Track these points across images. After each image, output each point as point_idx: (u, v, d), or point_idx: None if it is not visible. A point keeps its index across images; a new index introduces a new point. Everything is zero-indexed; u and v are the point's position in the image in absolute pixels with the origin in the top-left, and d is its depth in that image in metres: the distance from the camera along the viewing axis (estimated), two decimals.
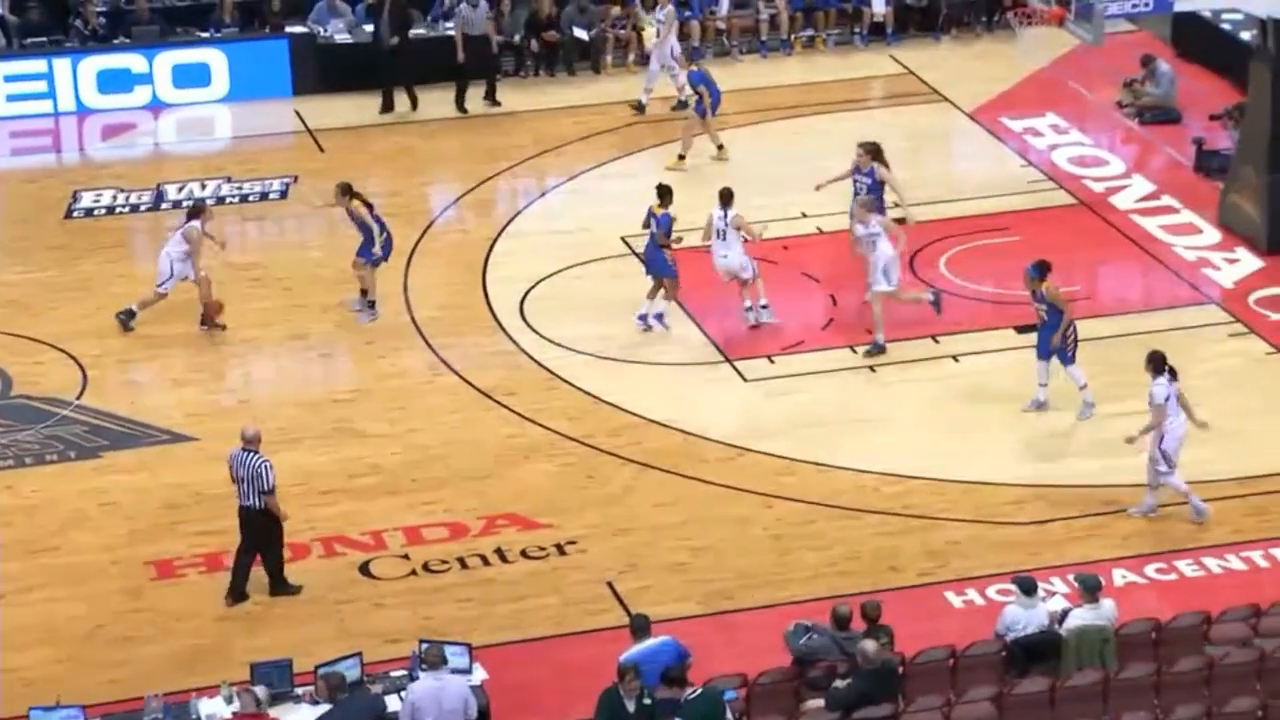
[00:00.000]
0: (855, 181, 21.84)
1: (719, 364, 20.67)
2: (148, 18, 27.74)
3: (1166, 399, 17.60)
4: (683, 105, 26.42)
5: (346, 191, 21.43)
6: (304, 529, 17.85)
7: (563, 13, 28.01)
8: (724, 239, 20.89)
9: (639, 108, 26.57)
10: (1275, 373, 20.38)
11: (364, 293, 21.64)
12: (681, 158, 24.91)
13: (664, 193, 21.20)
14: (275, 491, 16.64)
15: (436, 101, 27.02)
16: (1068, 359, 19.29)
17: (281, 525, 16.86)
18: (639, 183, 24.51)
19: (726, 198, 20.96)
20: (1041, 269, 19.31)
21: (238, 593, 16.93)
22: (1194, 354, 20.60)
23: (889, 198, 21.90)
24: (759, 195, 23.06)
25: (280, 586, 16.98)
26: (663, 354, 20.86)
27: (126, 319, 21.31)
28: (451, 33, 27.02)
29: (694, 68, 25.28)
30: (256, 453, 16.66)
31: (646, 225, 21.17)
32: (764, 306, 21.26)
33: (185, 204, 23.82)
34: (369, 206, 21.43)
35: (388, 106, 26.66)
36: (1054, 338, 19.18)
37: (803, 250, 22.90)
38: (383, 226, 21.39)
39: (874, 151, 21.70)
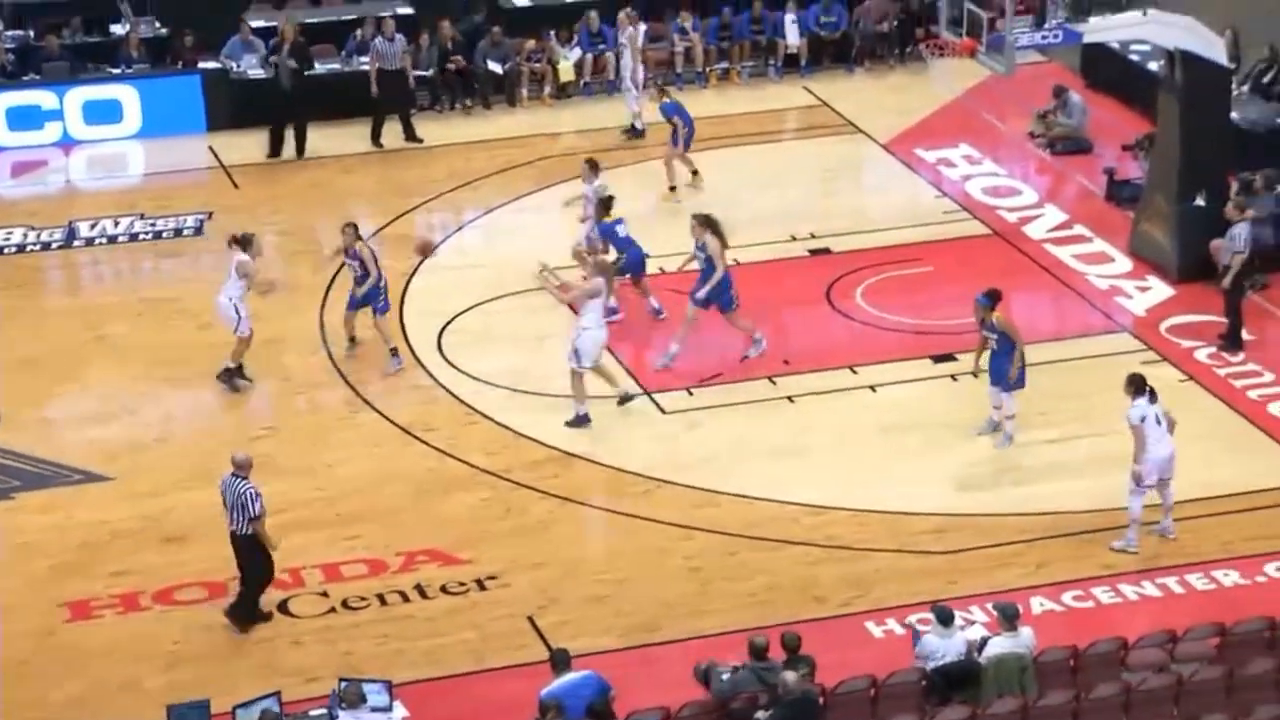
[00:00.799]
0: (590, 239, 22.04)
1: (637, 396, 20.66)
2: (58, 54, 27.53)
3: (1142, 419, 17.68)
4: (635, 133, 26.39)
5: (357, 232, 21.24)
6: (222, 567, 17.68)
7: (477, 47, 28.01)
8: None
9: (634, 132, 26.50)
10: (1187, 400, 20.58)
11: (394, 351, 21.15)
12: (673, 188, 24.81)
13: (607, 204, 21.71)
14: (263, 519, 16.60)
15: (352, 136, 26.94)
16: (1010, 386, 19.35)
17: (270, 554, 16.79)
18: (555, 216, 24.56)
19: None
20: (992, 297, 19.41)
21: (243, 616, 17.02)
22: (1108, 381, 20.69)
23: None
24: (673, 226, 23.07)
25: (239, 609, 16.82)
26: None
27: (231, 378, 20.38)
28: (366, 67, 26.97)
29: (666, 99, 25.15)
30: (245, 479, 16.65)
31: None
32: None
33: (99, 241, 23.58)
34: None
35: (275, 151, 26.41)
36: (1010, 369, 19.17)
37: None
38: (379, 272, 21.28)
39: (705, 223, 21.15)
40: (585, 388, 19.92)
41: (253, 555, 16.79)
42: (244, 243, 20.61)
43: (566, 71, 28.25)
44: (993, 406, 19.65)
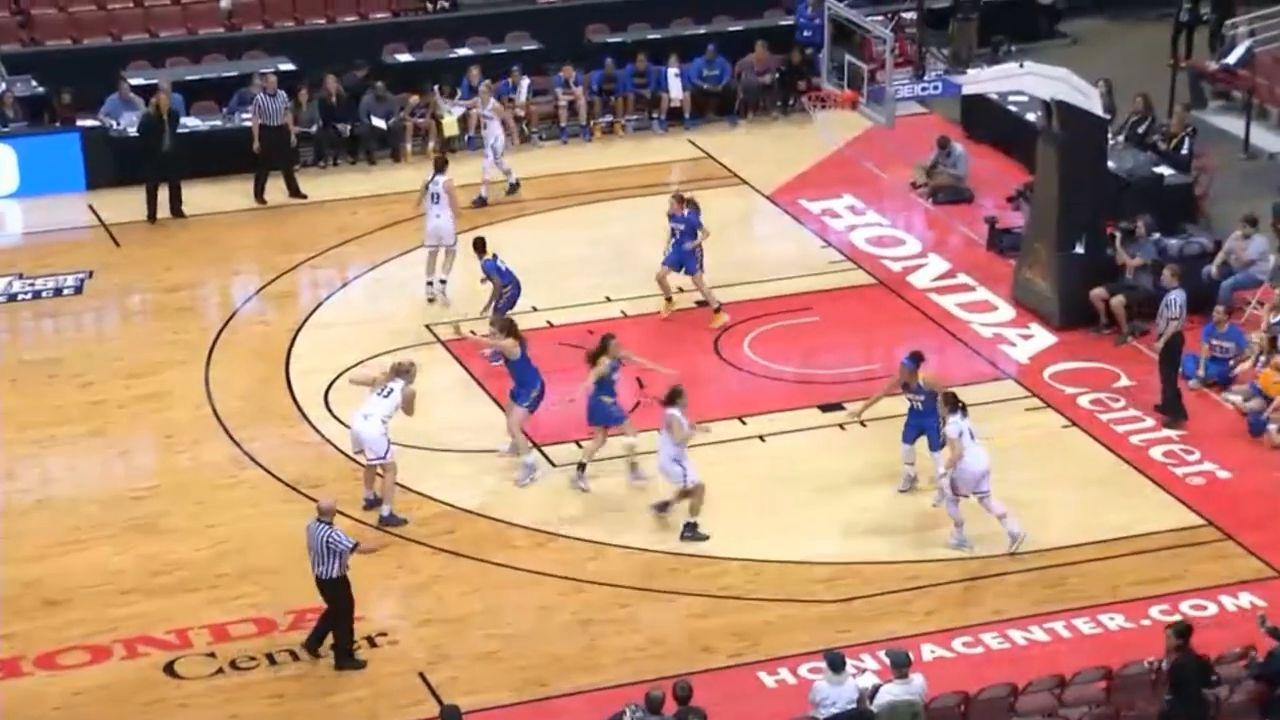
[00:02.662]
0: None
1: (526, 450, 20.58)
2: None
3: (959, 434, 18.31)
4: (481, 202, 26.34)
5: (482, 247, 22.14)
6: (105, 630, 17.44)
7: (361, 101, 27.94)
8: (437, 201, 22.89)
9: (480, 202, 26.38)
10: (1071, 446, 20.82)
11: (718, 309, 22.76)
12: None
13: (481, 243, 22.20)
14: (357, 545, 16.95)
15: (235, 192, 26.75)
16: (937, 445, 19.34)
17: (352, 598, 16.98)
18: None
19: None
20: (916, 359, 19.50)
21: (314, 643, 17.15)
22: (992, 428, 20.97)
23: None
24: (561, 279, 23.08)
25: (344, 660, 16.94)
26: (469, 441, 20.75)
27: (390, 523, 19.14)
28: (248, 123, 26.82)
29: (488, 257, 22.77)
30: (330, 524, 16.73)
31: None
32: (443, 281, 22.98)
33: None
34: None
35: (152, 215, 26.04)
36: (940, 429, 19.06)
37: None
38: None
39: None
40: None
41: (342, 597, 16.90)
42: (403, 371, 19.44)
43: (450, 126, 28.22)
44: (905, 463, 19.70)
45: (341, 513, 19.11)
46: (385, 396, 19.16)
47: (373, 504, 19.23)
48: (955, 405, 18.60)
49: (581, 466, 19.88)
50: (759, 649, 17.36)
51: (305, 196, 26.81)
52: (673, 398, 18.85)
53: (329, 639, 17.16)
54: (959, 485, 18.50)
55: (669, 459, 18.85)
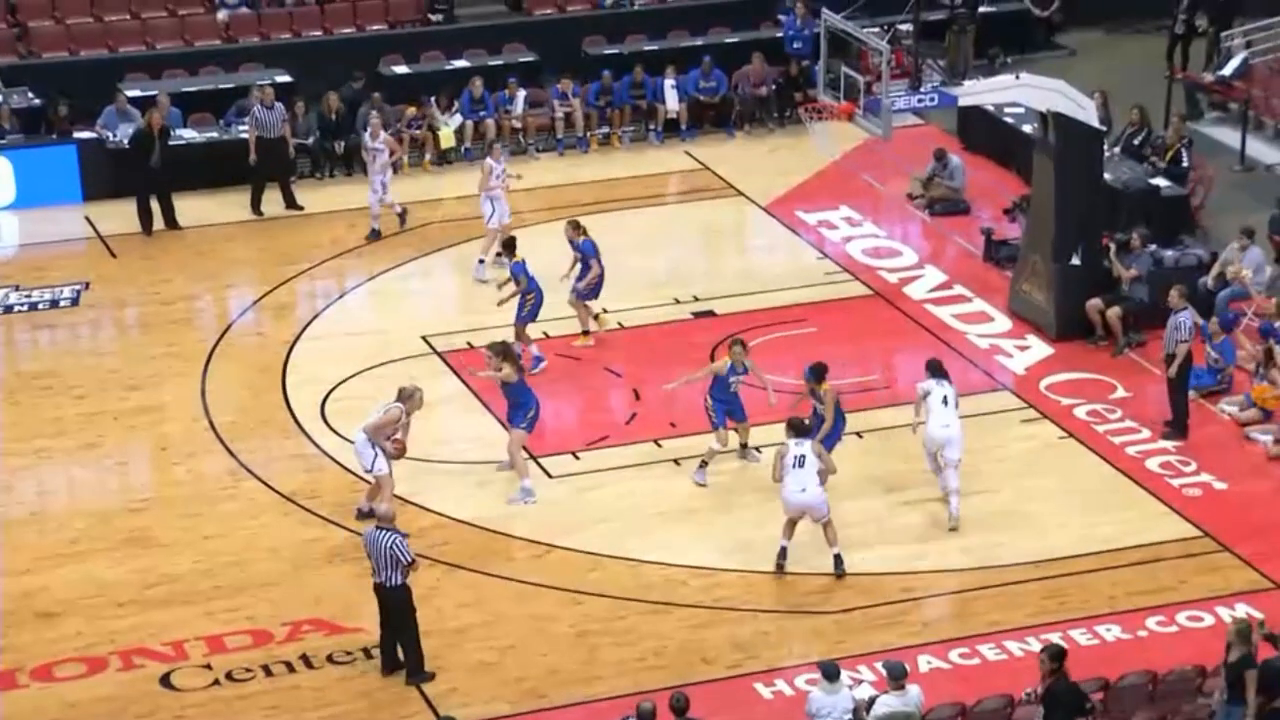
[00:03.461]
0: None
1: (524, 461, 20.59)
2: None
3: (925, 395, 19.05)
4: (375, 235, 25.95)
5: (512, 248, 22.54)
6: (101, 642, 17.43)
7: (358, 113, 27.95)
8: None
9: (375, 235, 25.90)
10: (1067, 457, 20.82)
11: (586, 332, 22.72)
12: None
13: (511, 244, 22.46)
14: (416, 563, 16.81)
15: (231, 204, 26.76)
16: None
17: (414, 606, 16.86)
18: (437, 282, 24.54)
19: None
20: (817, 372, 19.52)
21: (388, 665, 17.01)
22: (989, 439, 20.99)
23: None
24: (558, 291, 23.09)
25: (417, 675, 16.90)
26: (467, 453, 20.75)
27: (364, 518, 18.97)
28: (245, 135, 26.83)
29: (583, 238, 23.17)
30: (390, 530, 16.66)
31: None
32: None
33: None
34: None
35: (147, 228, 26.02)
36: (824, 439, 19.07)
37: (605, 345, 22.98)
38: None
39: None
40: None
41: (405, 606, 16.84)
42: (404, 396, 19.14)
43: (447, 138, 28.26)
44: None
45: (348, 528, 19.18)
46: (802, 465, 18.21)
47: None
48: (936, 371, 19.29)
49: (703, 463, 19.97)
50: (756, 660, 17.35)
51: (302, 208, 26.82)
52: (406, 396, 19.03)
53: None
54: (926, 451, 19.16)
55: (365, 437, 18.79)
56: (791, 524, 18.52)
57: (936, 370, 19.49)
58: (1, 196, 26.75)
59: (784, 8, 31.14)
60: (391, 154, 26.04)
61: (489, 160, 24.89)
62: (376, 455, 18.89)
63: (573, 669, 17.25)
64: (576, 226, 22.95)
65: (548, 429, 21.24)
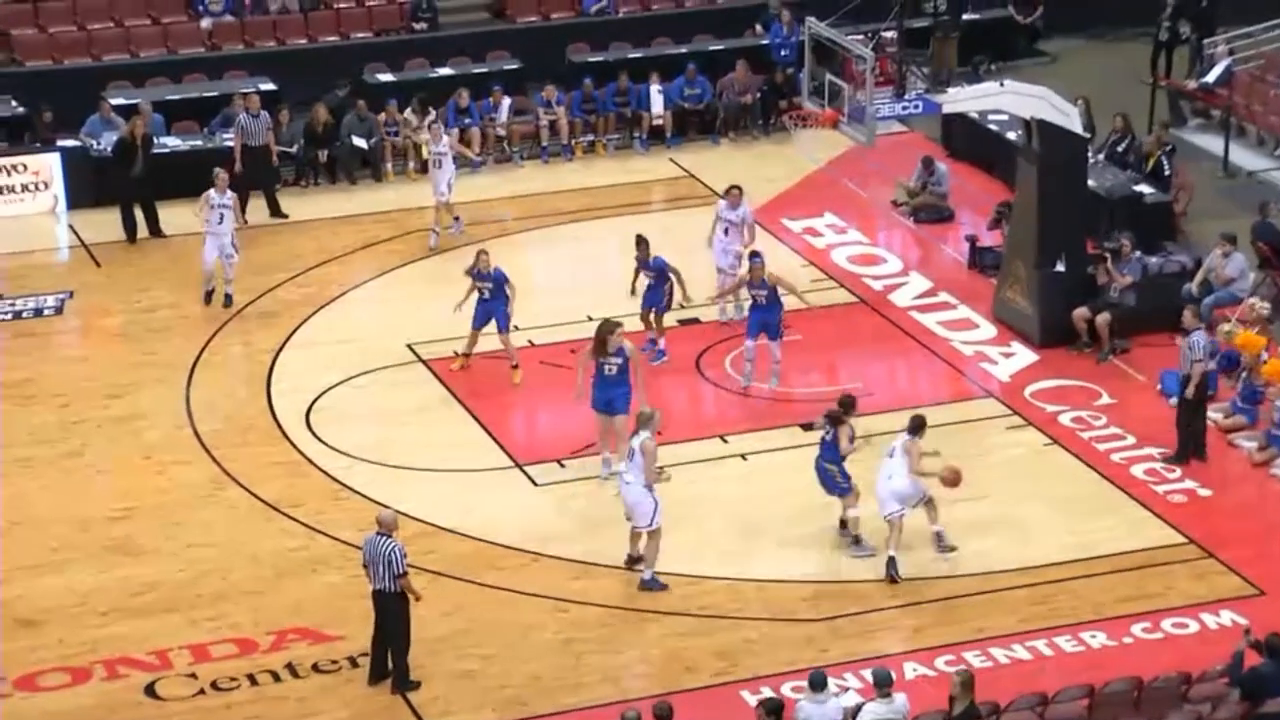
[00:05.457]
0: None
1: (509, 469, 20.58)
2: None
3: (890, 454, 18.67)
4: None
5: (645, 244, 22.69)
6: (85, 651, 17.37)
7: (342, 121, 27.92)
8: None
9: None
10: (1053, 464, 20.83)
11: (653, 341, 22.62)
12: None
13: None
14: (408, 575, 16.63)
15: None
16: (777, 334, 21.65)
17: (409, 615, 16.76)
18: (421, 289, 24.49)
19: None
20: (758, 255, 21.77)
21: (376, 673, 16.92)
22: (975, 447, 20.98)
23: None
24: (544, 299, 23.08)
25: (402, 684, 16.80)
26: (451, 461, 20.72)
27: (650, 586, 18.30)
28: (230, 144, 26.79)
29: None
30: (390, 537, 16.58)
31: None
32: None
33: None
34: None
35: (131, 236, 25.97)
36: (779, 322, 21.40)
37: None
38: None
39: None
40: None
41: (399, 614, 16.75)
42: (917, 427, 18.62)
43: (426, 152, 28.17)
44: (746, 359, 21.82)
45: (332, 536, 19.13)
46: (631, 459, 18.21)
47: (634, 561, 18.62)
48: (916, 426, 18.71)
49: (844, 527, 19.16)
50: (741, 668, 17.33)
51: (287, 216, 26.78)
52: (917, 428, 18.48)
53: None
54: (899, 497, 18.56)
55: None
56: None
57: (917, 426, 18.73)
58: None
59: (768, 16, 31.18)
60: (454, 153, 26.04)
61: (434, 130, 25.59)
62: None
63: (557, 677, 17.22)
64: (643, 244, 22.92)
65: (532, 437, 21.23)
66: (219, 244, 23.84)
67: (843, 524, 19.12)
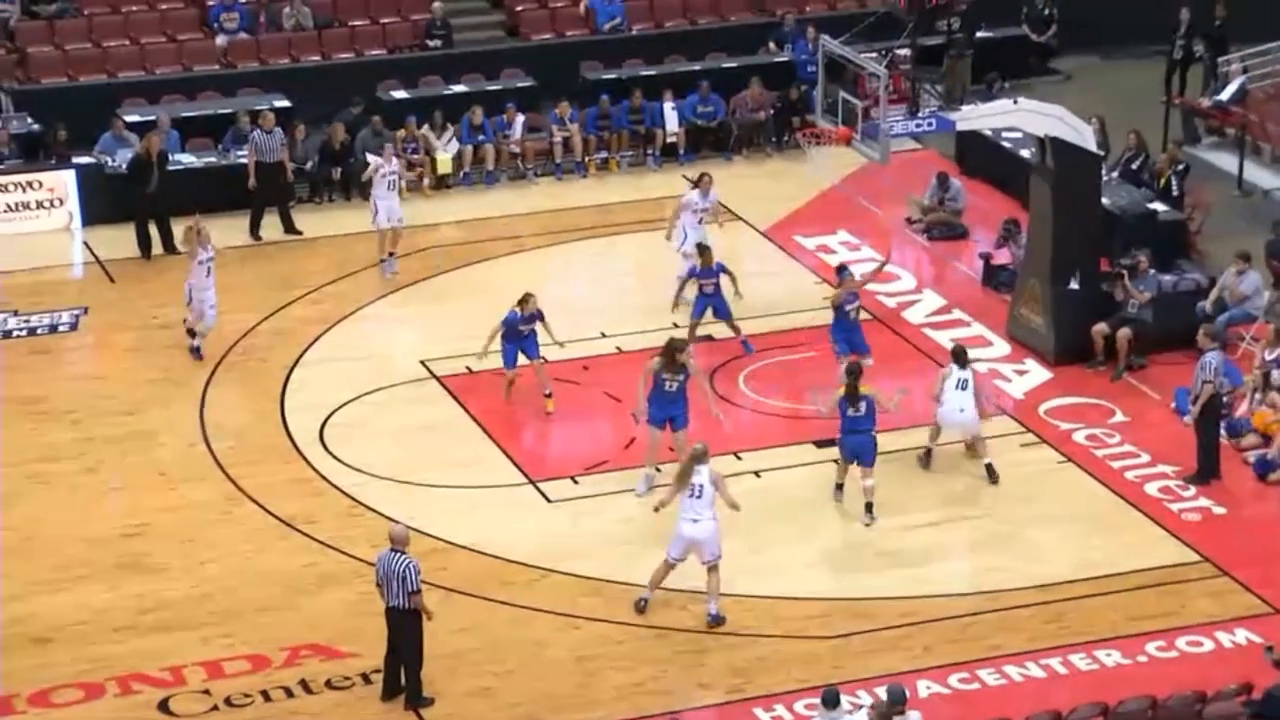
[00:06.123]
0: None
1: (522, 486, 20.58)
2: None
3: (944, 378, 20.47)
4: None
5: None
6: (98, 668, 17.37)
7: (357, 137, 27.97)
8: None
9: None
10: (1066, 481, 20.79)
11: (745, 341, 23.14)
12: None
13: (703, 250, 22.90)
14: (421, 592, 16.58)
15: (230, 229, 26.74)
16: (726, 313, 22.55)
17: (423, 631, 16.73)
18: (436, 307, 24.51)
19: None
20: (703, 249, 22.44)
21: (390, 690, 16.90)
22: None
23: None
24: (557, 316, 23.07)
25: (416, 700, 16.79)
26: (465, 477, 20.72)
27: (715, 623, 18.08)
28: (244, 160, 26.85)
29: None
30: (404, 554, 16.58)
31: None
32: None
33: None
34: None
35: (145, 252, 26.04)
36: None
37: (603, 370, 22.97)
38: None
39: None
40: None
41: (413, 631, 16.74)
42: (700, 457, 18.13)
43: (445, 164, 28.29)
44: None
45: (346, 553, 19.13)
46: (699, 496, 17.93)
47: (718, 621, 18.15)
48: (958, 357, 20.66)
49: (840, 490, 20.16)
50: (755, 685, 17.30)
51: (301, 233, 26.82)
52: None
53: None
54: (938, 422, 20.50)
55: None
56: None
57: (959, 357, 20.63)
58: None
59: (782, 33, 31.21)
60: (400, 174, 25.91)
61: (370, 157, 25.32)
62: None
63: (570, 694, 17.20)
64: (707, 251, 23.26)
65: (546, 454, 21.22)
66: (208, 299, 22.97)
67: (839, 487, 20.04)
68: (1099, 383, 22.64)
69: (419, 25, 31.28)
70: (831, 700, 15.38)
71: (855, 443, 19.74)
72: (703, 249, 23.32)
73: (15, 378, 22.92)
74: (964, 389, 20.39)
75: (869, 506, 19.74)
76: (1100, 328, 22.77)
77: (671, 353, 19.97)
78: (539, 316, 21.95)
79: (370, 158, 25.40)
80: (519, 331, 21.79)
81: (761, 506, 20.15)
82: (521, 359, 21.84)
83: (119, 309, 24.80)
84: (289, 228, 26.83)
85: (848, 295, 22.46)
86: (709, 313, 23.19)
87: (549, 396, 21.95)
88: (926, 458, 20.71)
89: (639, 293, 24.95)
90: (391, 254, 25.33)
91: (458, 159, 28.41)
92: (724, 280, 23.34)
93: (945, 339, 23.78)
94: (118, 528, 19.80)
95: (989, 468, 20.44)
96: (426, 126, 28.15)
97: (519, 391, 22.20)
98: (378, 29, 31.26)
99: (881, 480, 20.08)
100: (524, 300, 21.88)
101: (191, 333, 23.23)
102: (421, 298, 25.04)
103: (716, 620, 18.12)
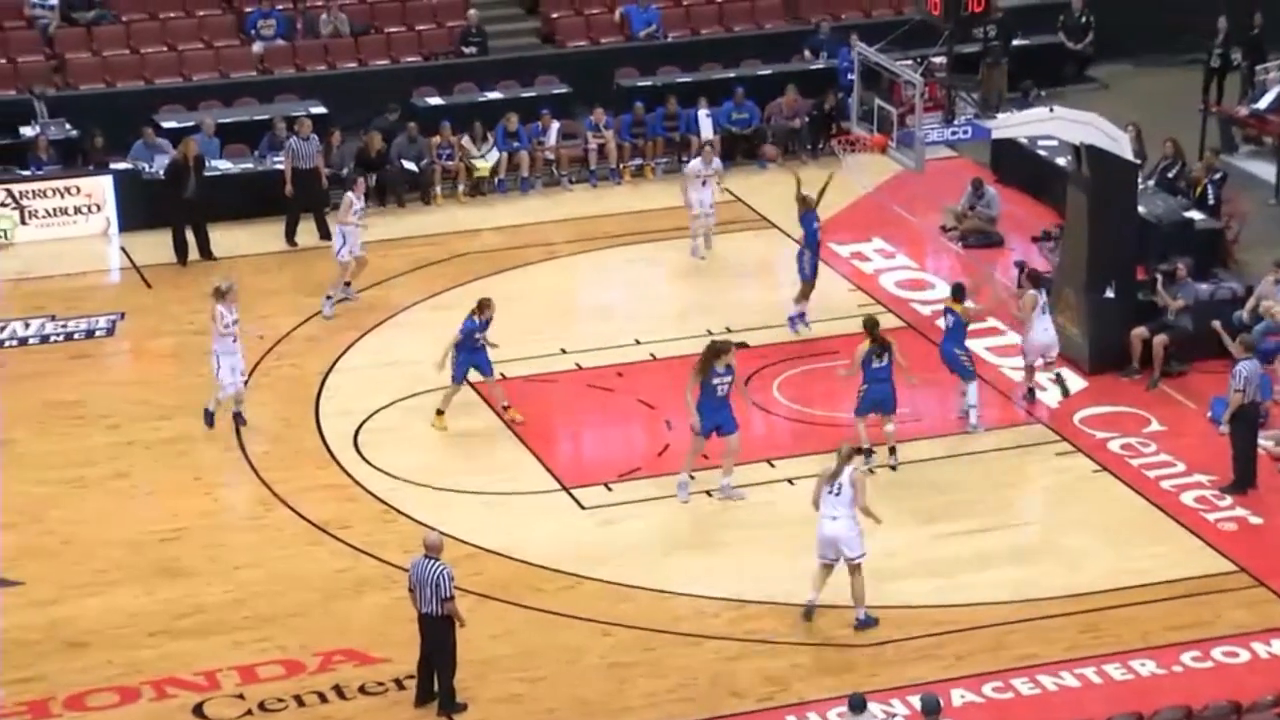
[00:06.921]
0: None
1: (555, 492, 20.60)
2: None
3: (1036, 303, 21.55)
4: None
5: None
6: (133, 672, 17.44)
7: (392, 144, 28.04)
8: None
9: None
10: (1101, 490, 20.72)
11: (801, 315, 24.00)
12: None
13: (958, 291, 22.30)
14: (455, 599, 16.58)
15: (265, 235, 26.86)
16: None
17: (456, 637, 16.74)
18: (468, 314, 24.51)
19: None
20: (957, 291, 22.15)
21: (423, 696, 16.92)
22: (1022, 473, 20.93)
23: None
24: (591, 322, 23.13)
25: (448, 706, 16.80)
26: (499, 483, 20.74)
27: (865, 625, 18.13)
28: (279, 166, 26.94)
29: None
30: (438, 560, 16.61)
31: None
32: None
33: (9, 343, 23.33)
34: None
35: (182, 259, 26.16)
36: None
37: (637, 376, 22.98)
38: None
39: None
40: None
41: (446, 637, 16.75)
42: (848, 457, 18.07)
43: (484, 169, 28.34)
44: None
45: (379, 558, 19.17)
46: (838, 494, 17.87)
47: (810, 611, 18.17)
48: (1036, 281, 21.84)
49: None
50: (787, 693, 17.28)
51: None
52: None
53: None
54: (1027, 355, 21.80)
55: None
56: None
57: (1037, 280, 21.90)
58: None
59: (818, 40, 31.20)
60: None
61: (350, 195, 24.70)
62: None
63: (602, 701, 17.20)
64: (806, 199, 24.20)
65: (580, 460, 21.23)
66: (236, 364, 21.64)
67: (869, 453, 20.48)
68: (1134, 391, 22.56)
69: (455, 32, 31.36)
70: (858, 706, 15.34)
71: (878, 391, 20.62)
72: (804, 197, 24.16)
73: (53, 382, 23.02)
74: (1047, 313, 21.70)
75: (893, 450, 20.69)
76: (1140, 331, 22.70)
77: (718, 354, 19.94)
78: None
79: (350, 195, 24.76)
80: (475, 341, 21.49)
81: (794, 514, 20.11)
82: (475, 375, 21.63)
83: (155, 314, 24.91)
84: (324, 234, 26.90)
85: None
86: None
87: (508, 408, 21.79)
88: (1031, 396, 22.04)
89: (673, 299, 24.94)
90: (348, 284, 24.89)
91: (495, 167, 28.44)
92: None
93: (980, 347, 23.70)
94: (153, 532, 19.87)
95: (1059, 377, 21.93)
96: (467, 138, 28.21)
97: (550, 398, 22.22)
98: (414, 35, 31.35)
99: (914, 490, 20.03)
100: (482, 306, 21.62)
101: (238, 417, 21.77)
102: (456, 304, 25.05)
103: (865, 624, 18.02)
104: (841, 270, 26.00)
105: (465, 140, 28.24)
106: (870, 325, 20.88)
